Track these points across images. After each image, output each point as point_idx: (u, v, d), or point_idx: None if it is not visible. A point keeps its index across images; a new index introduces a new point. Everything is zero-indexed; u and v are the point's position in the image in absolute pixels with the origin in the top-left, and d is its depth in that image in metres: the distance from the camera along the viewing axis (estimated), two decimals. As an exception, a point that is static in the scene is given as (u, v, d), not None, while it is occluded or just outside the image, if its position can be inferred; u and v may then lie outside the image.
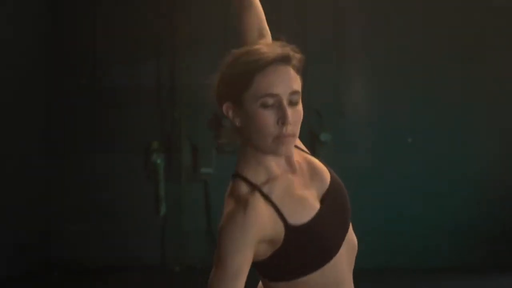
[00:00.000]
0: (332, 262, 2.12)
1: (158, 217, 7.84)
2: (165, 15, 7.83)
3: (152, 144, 7.87)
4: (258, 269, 2.16)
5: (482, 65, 7.58)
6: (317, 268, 2.10)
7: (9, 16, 7.53)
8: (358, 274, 2.34)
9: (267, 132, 2.08)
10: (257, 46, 2.15)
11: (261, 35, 2.35)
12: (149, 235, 7.86)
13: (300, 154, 2.25)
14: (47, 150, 7.92)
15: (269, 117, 2.07)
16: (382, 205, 7.60)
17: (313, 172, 2.20)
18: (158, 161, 7.83)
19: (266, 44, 2.19)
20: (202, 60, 7.29)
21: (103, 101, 7.90)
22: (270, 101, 2.07)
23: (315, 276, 2.11)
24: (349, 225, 2.21)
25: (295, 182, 2.15)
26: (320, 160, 2.27)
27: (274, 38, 2.36)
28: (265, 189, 2.09)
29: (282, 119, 2.06)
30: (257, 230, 2.02)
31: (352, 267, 2.23)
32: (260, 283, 2.27)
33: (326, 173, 2.22)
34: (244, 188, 2.10)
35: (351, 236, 2.21)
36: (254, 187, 2.09)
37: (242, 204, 2.05)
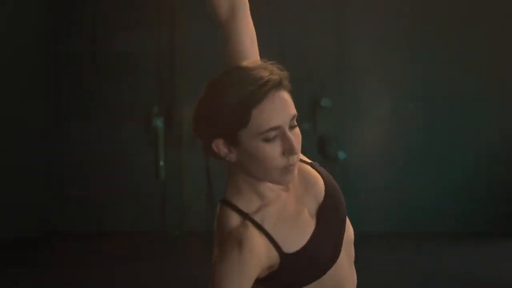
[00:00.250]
0: (332, 269, 2.06)
1: (158, 182, 7.87)
2: (165, -20, 7.80)
3: (153, 110, 7.87)
4: (255, 282, 2.06)
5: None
6: (316, 279, 2.04)
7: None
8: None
9: (273, 165, 1.93)
10: (244, 72, 1.93)
11: (253, 42, 2.11)
12: (150, 200, 7.88)
13: None
14: (47, 116, 7.92)
15: (273, 151, 1.92)
16: (383, 170, 7.62)
17: (307, 184, 2.07)
18: (159, 126, 7.84)
19: (253, 67, 1.95)
20: (202, 26, 7.26)
21: (103, 68, 7.89)
22: (272, 134, 1.91)
23: (314, 285, 2.04)
24: (346, 227, 2.10)
25: (289, 201, 2.03)
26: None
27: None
28: (258, 218, 1.97)
29: (289, 151, 1.92)
30: (254, 266, 1.92)
31: (352, 256, 2.16)
32: None
33: (319, 182, 2.08)
34: (235, 220, 1.97)
35: (348, 232, 2.11)
36: (245, 217, 1.97)
37: (236, 241, 1.92)
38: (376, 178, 7.62)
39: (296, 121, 1.97)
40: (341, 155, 7.66)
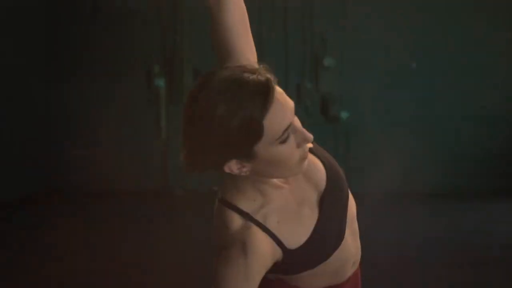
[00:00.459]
0: (338, 250, 2.05)
1: (159, 141, 7.86)
2: None
3: (154, 68, 7.84)
4: None
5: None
6: (322, 263, 2.04)
7: None
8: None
9: (293, 162, 1.92)
10: (239, 88, 1.84)
11: (247, 29, 2.10)
12: (151, 159, 7.88)
13: None
14: (47, 74, 7.89)
15: (290, 148, 1.90)
16: (386, 129, 7.60)
17: (309, 173, 2.05)
18: (160, 84, 7.80)
19: (244, 79, 1.86)
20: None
21: (104, 25, 7.84)
22: (285, 134, 1.88)
23: (321, 267, 2.04)
24: (348, 207, 2.09)
25: (291, 194, 2.02)
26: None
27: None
28: (260, 217, 1.95)
29: (303, 141, 1.91)
30: (259, 268, 1.90)
31: (356, 230, 2.15)
32: None
33: (320, 169, 2.07)
34: (237, 222, 1.94)
35: (351, 209, 2.11)
36: (247, 217, 1.94)
37: (240, 244, 1.89)
38: (378, 138, 7.59)
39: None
40: (343, 114, 7.64)
